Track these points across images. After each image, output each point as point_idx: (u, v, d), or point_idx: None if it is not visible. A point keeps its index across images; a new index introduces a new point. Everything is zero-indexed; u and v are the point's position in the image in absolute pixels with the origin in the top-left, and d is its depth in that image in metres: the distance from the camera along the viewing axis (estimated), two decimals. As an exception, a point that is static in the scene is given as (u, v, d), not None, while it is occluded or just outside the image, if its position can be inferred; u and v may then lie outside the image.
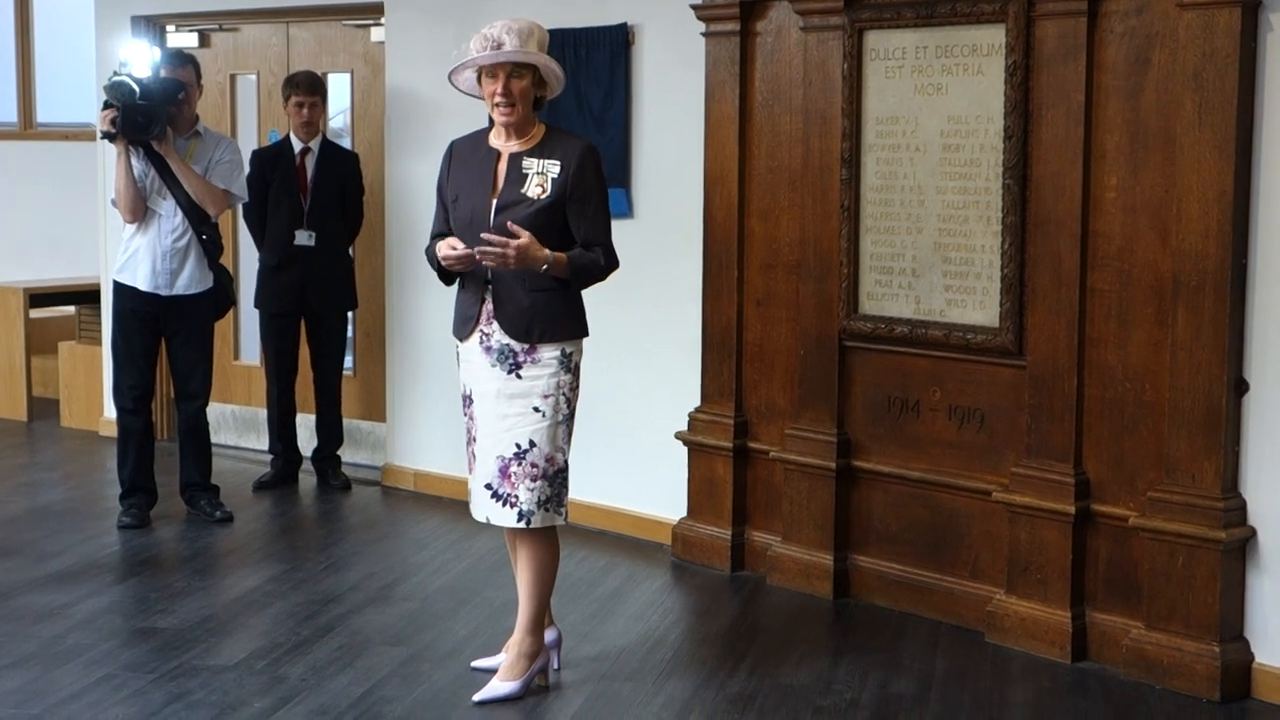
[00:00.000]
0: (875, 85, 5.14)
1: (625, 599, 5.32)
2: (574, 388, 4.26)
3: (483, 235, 4.06)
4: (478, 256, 4.07)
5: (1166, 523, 4.46)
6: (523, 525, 4.20)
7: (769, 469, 5.59)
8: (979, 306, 4.94)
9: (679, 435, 5.83)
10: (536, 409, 4.17)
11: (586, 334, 4.30)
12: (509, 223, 4.06)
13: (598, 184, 4.20)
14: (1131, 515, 4.57)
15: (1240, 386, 4.40)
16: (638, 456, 6.09)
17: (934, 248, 5.04)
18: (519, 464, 4.18)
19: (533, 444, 4.17)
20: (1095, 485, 4.71)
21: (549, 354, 4.17)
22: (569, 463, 4.27)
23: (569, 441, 4.26)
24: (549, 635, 4.44)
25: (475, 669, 4.52)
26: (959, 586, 5.04)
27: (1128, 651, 4.56)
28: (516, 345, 4.16)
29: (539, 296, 4.15)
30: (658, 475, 5.99)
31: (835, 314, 5.28)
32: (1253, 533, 4.42)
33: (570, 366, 4.22)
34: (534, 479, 4.17)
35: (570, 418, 4.26)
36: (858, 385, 5.30)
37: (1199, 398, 4.39)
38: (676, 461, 5.86)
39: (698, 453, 5.79)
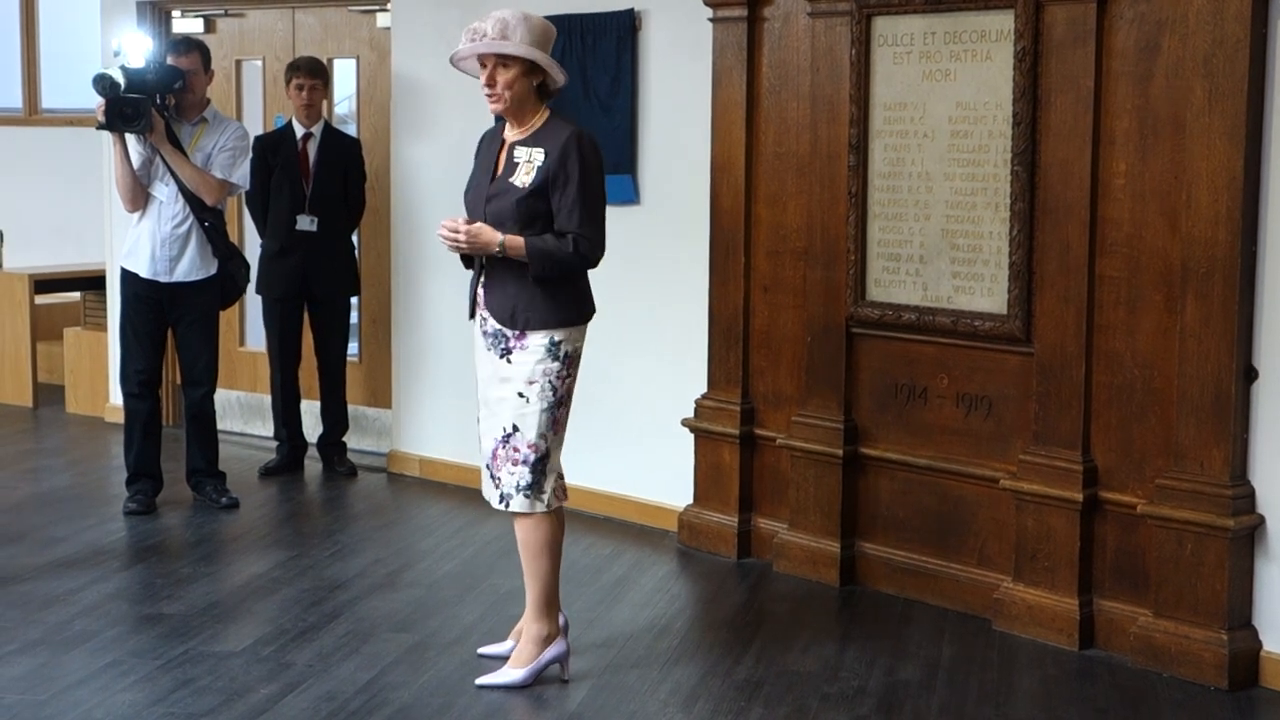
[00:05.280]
0: (883, 71, 5.12)
1: (631, 586, 5.32)
2: (563, 376, 4.23)
3: (443, 222, 4.18)
4: (444, 241, 4.20)
5: (1174, 510, 4.45)
6: (502, 507, 4.26)
7: (775, 456, 5.59)
8: (987, 293, 4.92)
9: (685, 422, 5.82)
10: (521, 394, 4.20)
11: (582, 321, 4.28)
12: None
13: (579, 171, 4.14)
14: (1139, 503, 4.57)
15: (1249, 374, 4.39)
16: (644, 443, 6.08)
17: (942, 234, 5.02)
18: (504, 447, 4.23)
19: (516, 429, 4.20)
20: (1103, 472, 4.70)
21: (537, 341, 4.19)
22: (550, 450, 4.24)
23: (555, 429, 4.24)
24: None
25: (482, 655, 4.52)
26: (966, 574, 5.04)
27: (1135, 639, 4.55)
28: (508, 331, 4.21)
29: (525, 283, 4.17)
30: (664, 462, 5.98)
31: (842, 301, 5.27)
32: (1261, 520, 4.41)
33: (558, 355, 4.20)
34: (515, 464, 4.21)
35: (557, 406, 4.23)
36: (865, 372, 5.29)
37: (1208, 385, 4.38)
38: (683, 448, 5.85)
39: (704, 439, 5.78)
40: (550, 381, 4.21)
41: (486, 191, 4.24)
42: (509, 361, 4.21)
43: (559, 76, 4.22)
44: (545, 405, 4.21)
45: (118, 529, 5.94)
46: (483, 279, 4.26)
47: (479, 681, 4.29)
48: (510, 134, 4.27)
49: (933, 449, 5.11)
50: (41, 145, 9.88)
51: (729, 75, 5.56)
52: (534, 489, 4.22)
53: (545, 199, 4.16)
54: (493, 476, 4.27)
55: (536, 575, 4.30)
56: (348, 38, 7.34)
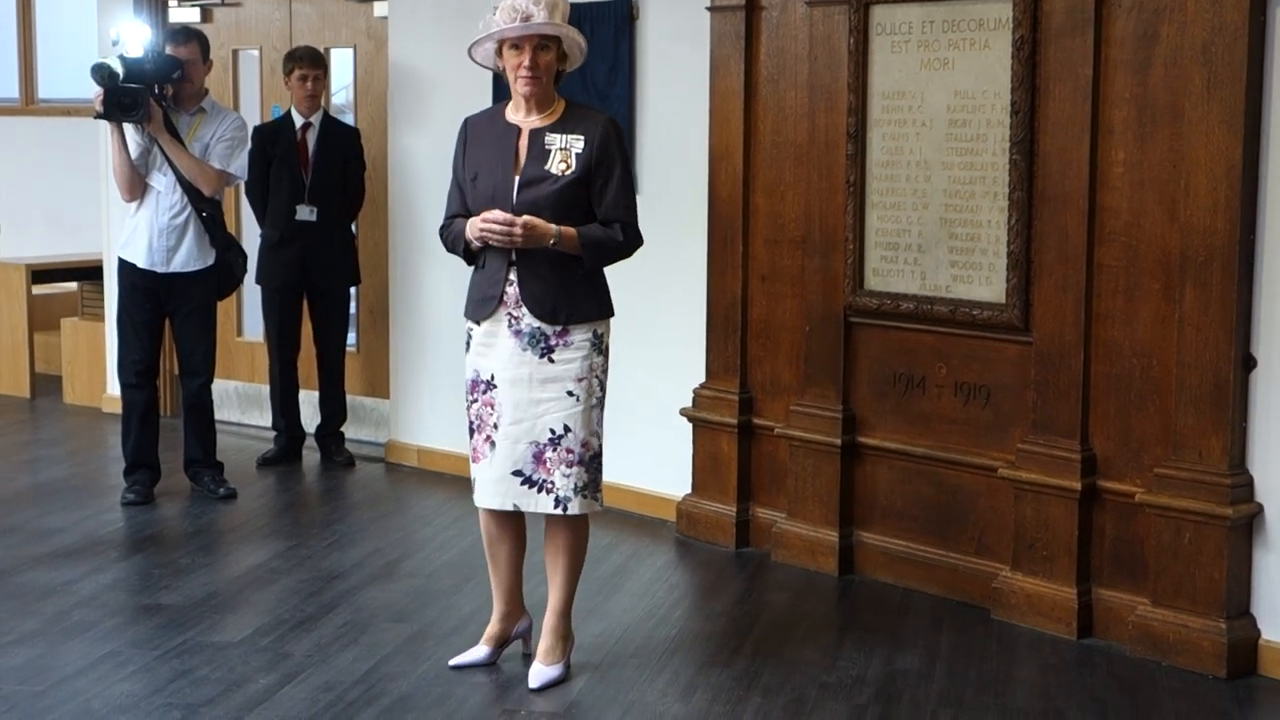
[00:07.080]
0: (881, 60, 5.11)
1: (630, 576, 5.32)
2: (605, 369, 4.20)
3: (484, 215, 4.02)
4: (472, 237, 4.06)
5: (1173, 499, 4.44)
6: (560, 511, 4.14)
7: (774, 445, 5.58)
8: (985, 282, 4.91)
9: (684, 411, 5.81)
10: (570, 393, 4.11)
11: (613, 313, 4.25)
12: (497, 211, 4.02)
13: (621, 159, 4.12)
14: (1138, 491, 4.56)
15: (1248, 362, 4.38)
16: (642, 433, 6.07)
17: (940, 223, 5.01)
18: (554, 450, 4.11)
19: (568, 429, 4.11)
20: (1101, 461, 4.70)
21: (580, 336, 4.12)
22: (603, 446, 4.23)
23: (602, 424, 4.21)
24: (521, 624, 4.46)
25: (455, 667, 4.35)
26: (964, 563, 5.04)
27: (1133, 628, 4.55)
28: (548, 328, 4.09)
29: (563, 276, 4.07)
30: (662, 452, 5.98)
31: (841, 290, 5.26)
32: (1259, 509, 4.40)
33: (602, 348, 4.17)
34: (570, 465, 4.11)
35: (603, 400, 4.20)
36: (863, 361, 5.28)
37: (1206, 374, 4.37)
38: (681, 438, 5.85)
39: (702, 429, 5.77)
40: (597, 376, 4.16)
41: (514, 180, 4.08)
42: (551, 360, 4.10)
43: (580, 61, 4.18)
44: (595, 401, 4.16)
45: (115, 519, 5.94)
46: (511, 275, 4.09)
47: (534, 685, 4.18)
48: (528, 120, 4.12)
49: (931, 438, 5.11)
50: (38, 135, 9.88)
51: (726, 64, 5.55)
52: (591, 487, 4.17)
53: (586, 187, 4.08)
54: (532, 481, 4.13)
55: (577, 574, 4.27)
56: (344, 27, 7.33)
